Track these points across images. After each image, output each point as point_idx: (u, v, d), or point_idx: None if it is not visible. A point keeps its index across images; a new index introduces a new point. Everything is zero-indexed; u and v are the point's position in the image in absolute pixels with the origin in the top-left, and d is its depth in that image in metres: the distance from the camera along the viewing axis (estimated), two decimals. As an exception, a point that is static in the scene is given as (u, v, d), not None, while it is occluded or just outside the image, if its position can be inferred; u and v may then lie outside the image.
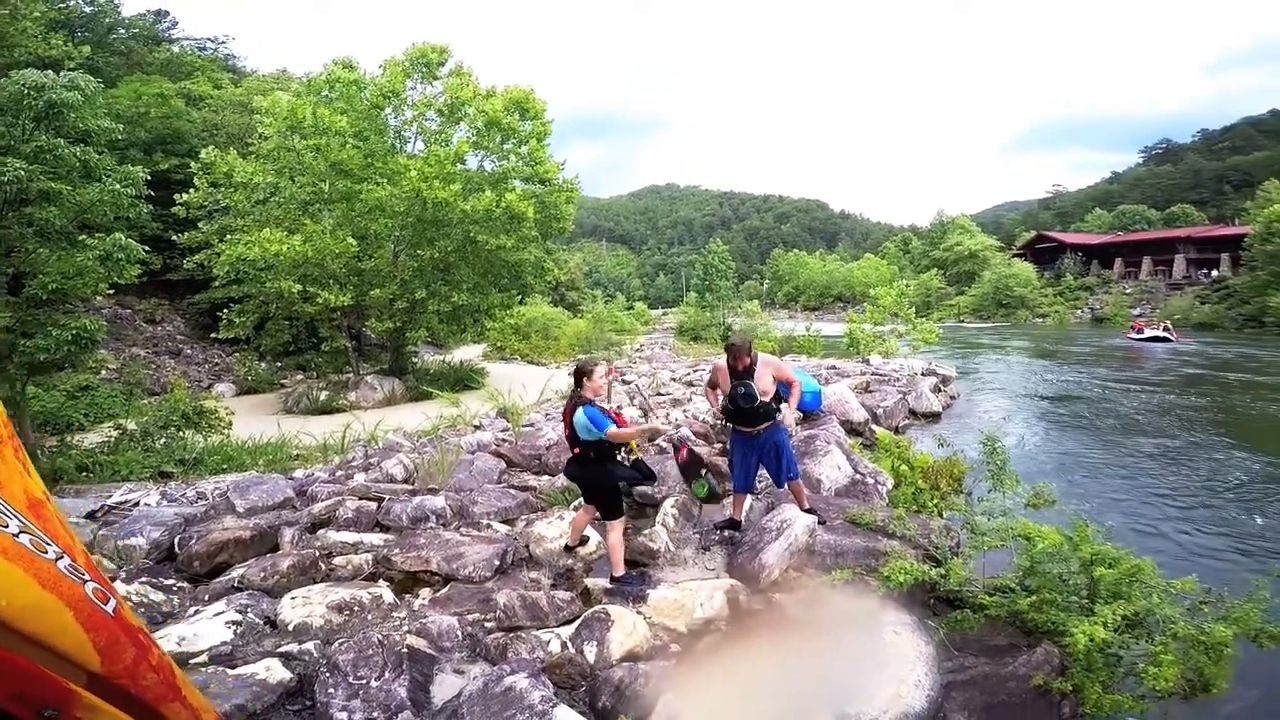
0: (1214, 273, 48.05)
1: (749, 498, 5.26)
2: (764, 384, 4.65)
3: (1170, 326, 32.02)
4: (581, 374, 4.15)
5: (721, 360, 4.87)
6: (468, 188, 17.25)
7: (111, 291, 11.00)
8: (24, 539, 0.79)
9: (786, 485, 5.04)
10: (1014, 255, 62.37)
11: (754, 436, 4.81)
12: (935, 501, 6.04)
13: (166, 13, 33.04)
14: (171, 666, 1.03)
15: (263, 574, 4.00)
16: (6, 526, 0.77)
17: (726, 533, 5.05)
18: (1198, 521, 6.75)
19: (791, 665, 3.26)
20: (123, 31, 27.89)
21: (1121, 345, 29.11)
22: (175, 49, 30.97)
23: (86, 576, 0.88)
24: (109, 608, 0.91)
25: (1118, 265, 56.27)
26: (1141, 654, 3.01)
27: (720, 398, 4.92)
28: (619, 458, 4.20)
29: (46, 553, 0.82)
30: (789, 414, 4.94)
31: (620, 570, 4.14)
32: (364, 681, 2.65)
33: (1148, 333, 30.73)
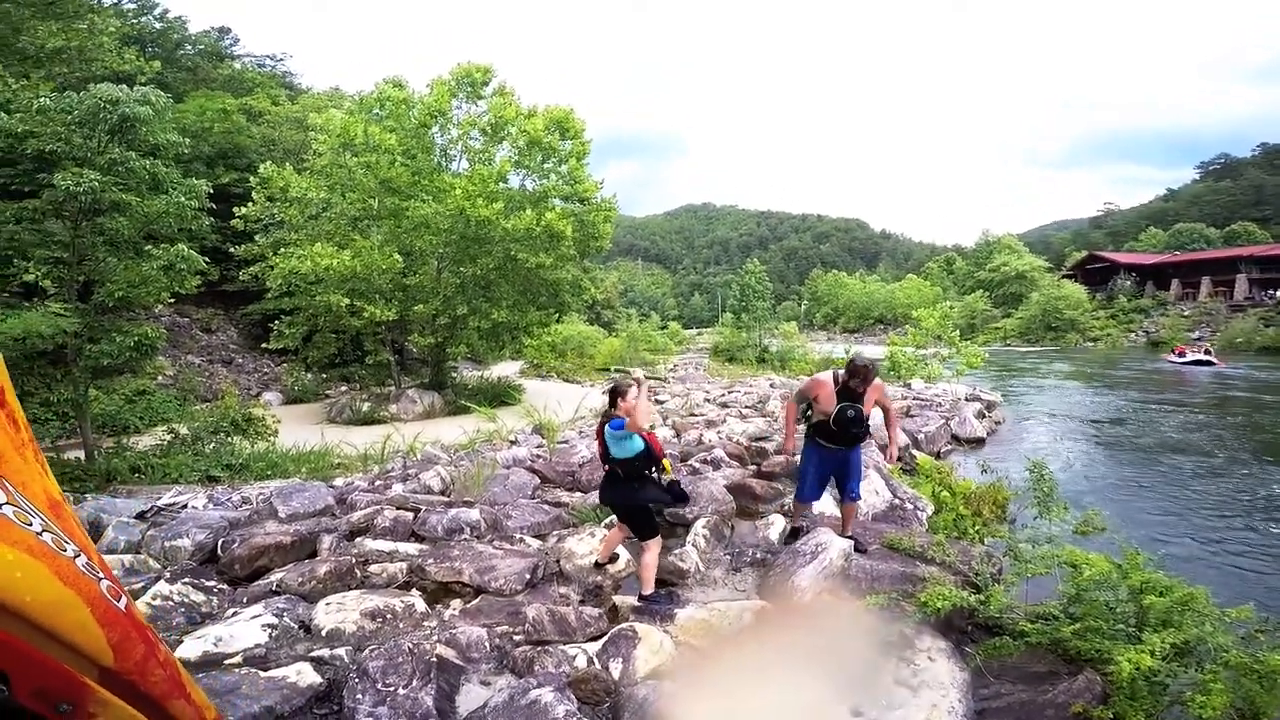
0: (1279, 294, 45.67)
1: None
2: (868, 407, 4.59)
3: (1211, 350, 31.46)
4: (616, 394, 4.16)
5: (824, 376, 4.80)
6: (509, 206, 17.61)
7: (171, 300, 11.54)
8: (46, 537, 0.82)
9: (842, 505, 4.99)
10: (1064, 276, 60.41)
11: (834, 452, 4.75)
12: (977, 528, 5.84)
13: (229, 30, 34.88)
14: (176, 664, 1.05)
15: (300, 579, 4.09)
16: (30, 525, 0.79)
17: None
18: (1254, 548, 6.41)
19: (822, 689, 3.18)
20: (189, 48, 29.40)
21: (1165, 369, 28.29)
22: (237, 65, 32.53)
23: (101, 574, 0.90)
24: (121, 604, 0.93)
25: (1174, 286, 53.96)
26: (1189, 683, 2.86)
27: (797, 410, 4.93)
28: (653, 477, 4.19)
29: (66, 550, 0.85)
30: (893, 448, 4.99)
31: (650, 589, 4.11)
32: (392, 689, 2.68)
33: (1190, 356, 30.01)
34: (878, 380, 4.68)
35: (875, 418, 5.23)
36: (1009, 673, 3.34)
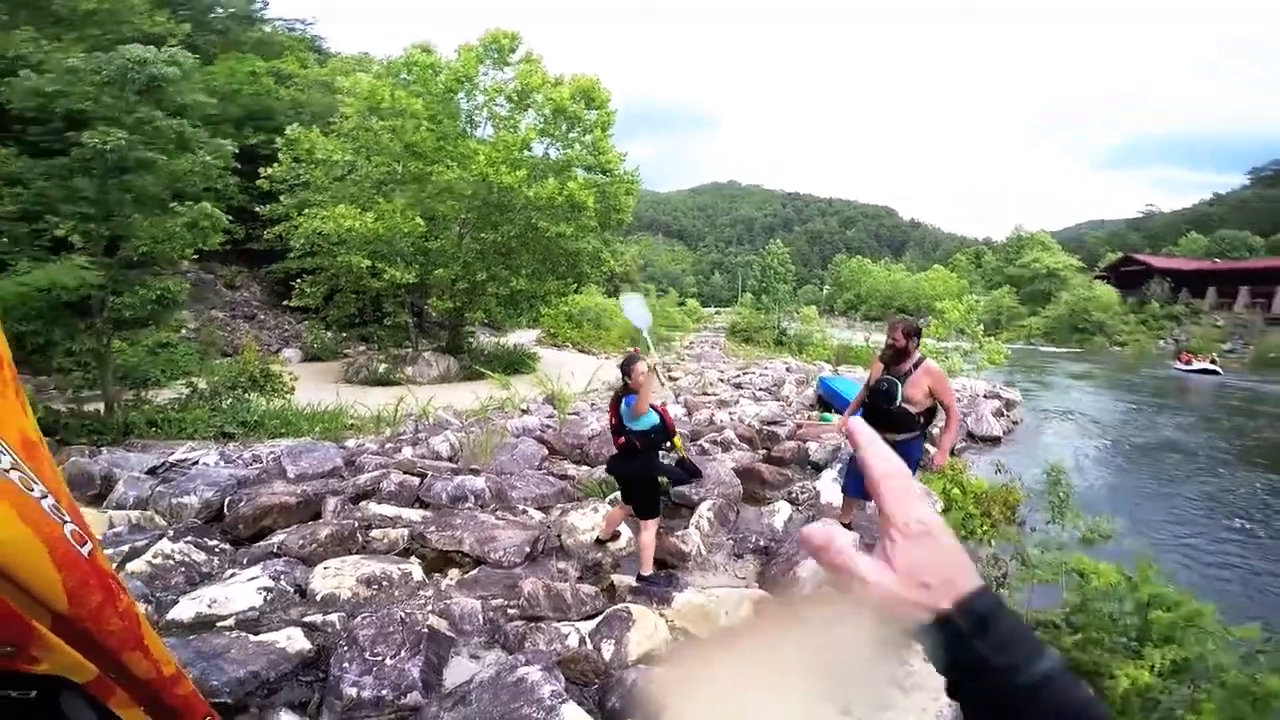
0: (1322, 309, 44.22)
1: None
2: (915, 391, 4.15)
3: (1216, 359, 32.11)
4: (627, 368, 4.14)
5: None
6: (532, 174, 17.48)
7: (196, 257, 11.62)
8: (13, 475, 0.79)
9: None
10: (1096, 277, 58.92)
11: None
12: (985, 529, 5.75)
13: None
14: (138, 616, 1.02)
15: (301, 541, 4.11)
16: None
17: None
18: (1255, 554, 6.29)
19: (813, 684, 3.13)
20: (220, 11, 29.26)
21: (1171, 376, 29.03)
22: (267, 29, 32.34)
23: (67, 518, 0.87)
24: (85, 550, 0.90)
25: (1210, 294, 52.31)
26: (1181, 699, 2.78)
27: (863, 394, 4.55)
28: (663, 455, 4.16)
29: (33, 490, 0.82)
30: (940, 456, 4.42)
31: (648, 570, 4.09)
32: (379, 658, 2.68)
33: (1195, 365, 30.76)
34: (934, 366, 4.29)
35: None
36: (1005, 681, 3.28)
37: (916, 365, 4.23)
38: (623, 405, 4.03)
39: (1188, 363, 31.46)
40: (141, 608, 1.06)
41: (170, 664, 1.16)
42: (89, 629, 0.94)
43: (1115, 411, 17.00)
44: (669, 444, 4.17)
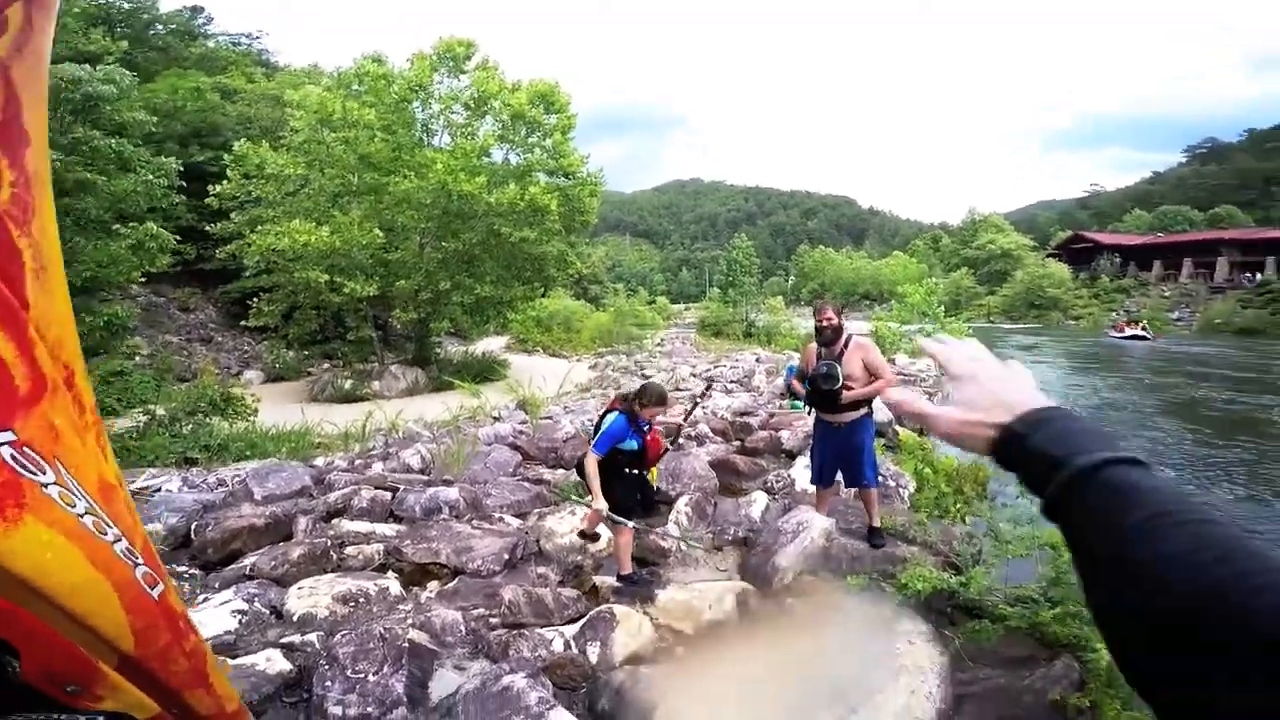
0: (1258, 276, 46.35)
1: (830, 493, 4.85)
2: (853, 368, 4.16)
3: (1147, 326, 35.14)
4: (644, 394, 3.86)
5: (813, 344, 4.47)
6: (492, 180, 17.34)
7: (144, 280, 11.23)
8: (88, 520, 0.83)
9: (858, 491, 4.63)
10: (1048, 255, 60.86)
11: (835, 428, 4.38)
12: (958, 506, 5.87)
13: (202, 9, 33.41)
14: (205, 654, 1.09)
15: (273, 563, 4.01)
16: (74, 507, 0.80)
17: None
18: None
19: (800, 672, 3.17)
20: (160, 27, 28.35)
21: (1107, 344, 31.91)
22: (210, 44, 31.44)
23: (140, 560, 0.91)
24: (155, 592, 0.94)
25: (1156, 267, 54.63)
26: None
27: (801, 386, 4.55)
28: (632, 475, 4.05)
29: (106, 535, 0.86)
30: (856, 390, 4.20)
31: (628, 569, 4.07)
32: (362, 675, 2.63)
33: (1127, 332, 33.84)
34: (864, 340, 4.38)
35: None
36: (987, 657, 3.33)
37: (846, 344, 4.30)
38: (605, 421, 3.85)
39: (1121, 330, 34.42)
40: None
41: (234, 700, 1.21)
42: (154, 668, 0.98)
43: (1064, 380, 18.33)
44: (642, 470, 4.04)
